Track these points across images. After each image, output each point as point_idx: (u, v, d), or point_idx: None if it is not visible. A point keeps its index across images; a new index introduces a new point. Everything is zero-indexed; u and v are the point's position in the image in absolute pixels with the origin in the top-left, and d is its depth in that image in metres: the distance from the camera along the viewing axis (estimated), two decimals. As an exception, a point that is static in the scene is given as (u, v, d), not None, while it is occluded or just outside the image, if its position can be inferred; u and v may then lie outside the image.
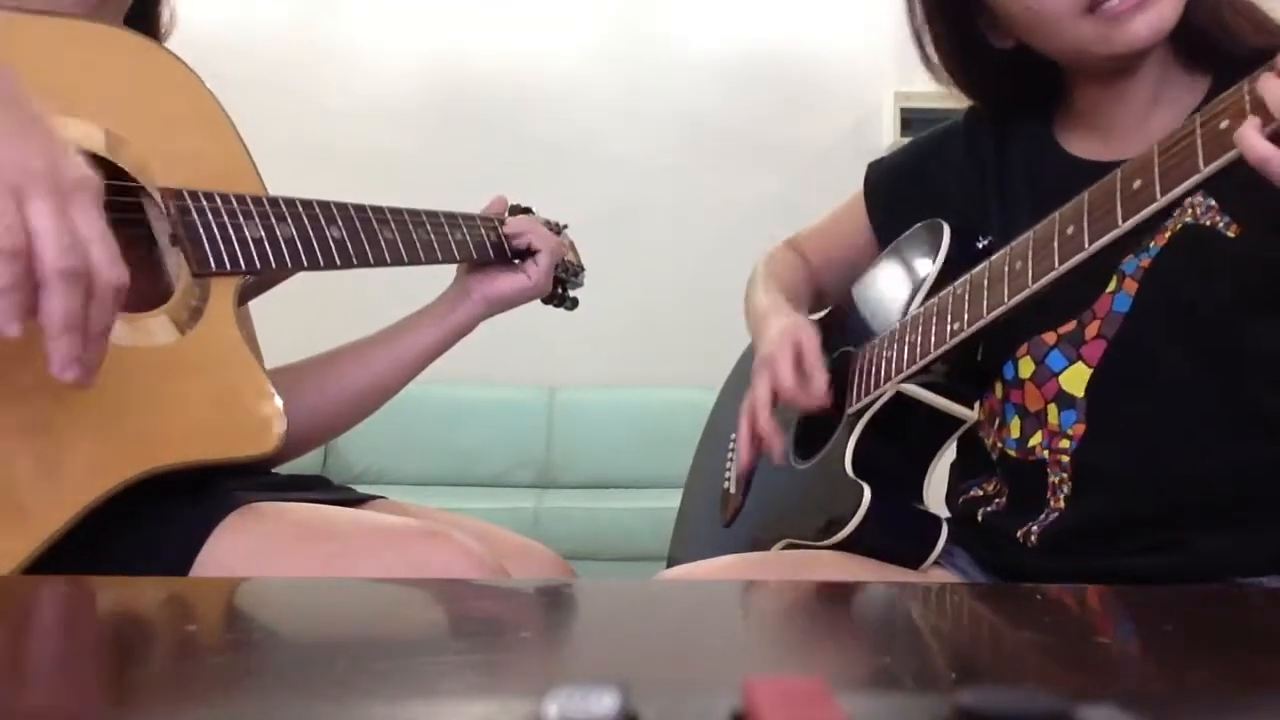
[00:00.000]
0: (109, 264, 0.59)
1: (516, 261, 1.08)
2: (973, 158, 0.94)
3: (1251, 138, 0.60)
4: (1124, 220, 0.68)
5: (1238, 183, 0.64)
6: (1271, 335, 0.78)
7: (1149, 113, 0.83)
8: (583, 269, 1.23)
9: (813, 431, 0.99)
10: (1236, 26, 0.78)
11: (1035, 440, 0.85)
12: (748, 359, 1.28)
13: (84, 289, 0.58)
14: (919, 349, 0.84)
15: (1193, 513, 0.79)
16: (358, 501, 0.96)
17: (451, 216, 1.02)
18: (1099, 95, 0.85)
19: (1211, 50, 0.80)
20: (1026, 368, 0.85)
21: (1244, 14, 0.79)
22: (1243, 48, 0.76)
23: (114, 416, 0.72)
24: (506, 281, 1.06)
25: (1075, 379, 0.82)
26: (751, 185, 3.59)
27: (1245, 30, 0.77)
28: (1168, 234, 0.79)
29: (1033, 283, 0.75)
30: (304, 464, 3.01)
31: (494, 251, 1.05)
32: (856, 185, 1.08)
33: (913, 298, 0.90)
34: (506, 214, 1.10)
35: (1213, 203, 0.77)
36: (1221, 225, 0.77)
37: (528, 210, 1.15)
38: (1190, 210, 0.78)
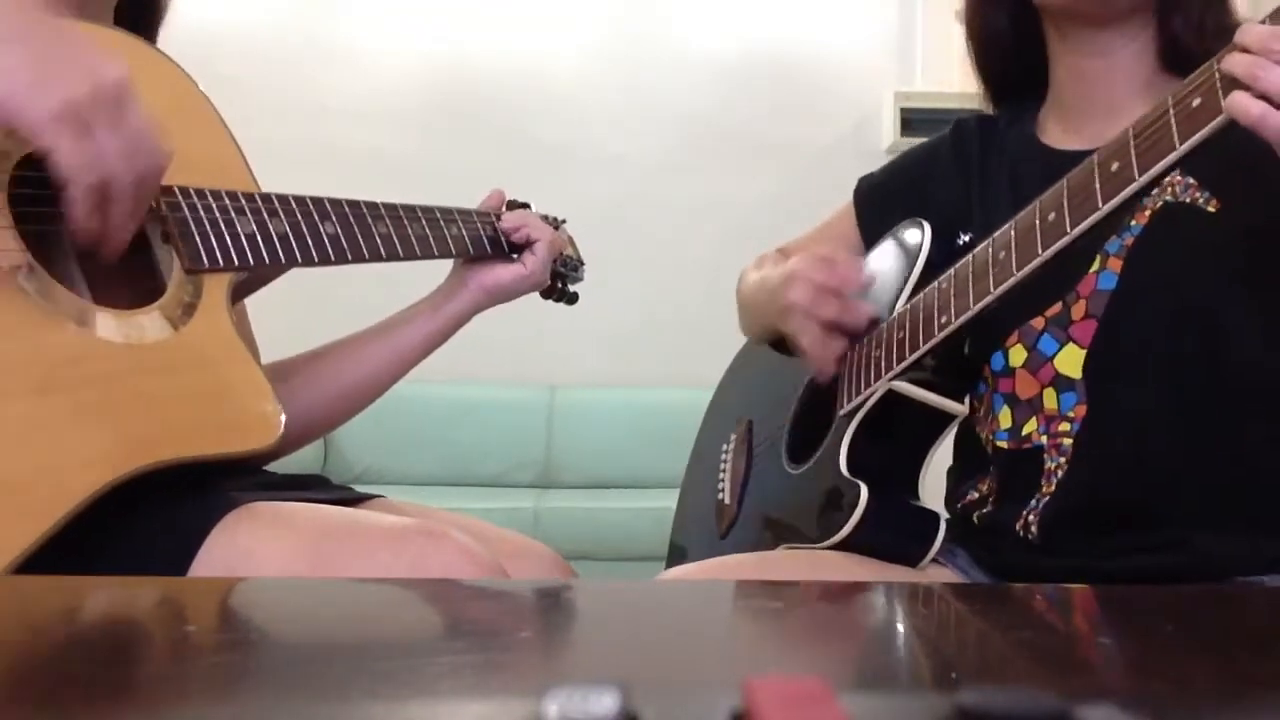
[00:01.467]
0: (158, 151, 0.70)
1: (515, 256, 1.07)
2: (959, 163, 0.96)
3: (1243, 100, 0.61)
4: (1104, 202, 0.69)
5: (1215, 160, 0.66)
6: (1255, 306, 0.79)
7: (1124, 106, 0.84)
8: (582, 263, 1.22)
9: (805, 436, 1.00)
10: (1216, 43, 0.79)
11: (1030, 427, 0.85)
12: (737, 363, 1.28)
13: (142, 181, 0.69)
14: (907, 345, 0.85)
15: (1191, 499, 0.79)
16: (356, 501, 0.96)
17: (447, 211, 1.02)
18: (1076, 87, 0.87)
19: (1190, 61, 0.80)
20: (1018, 356, 0.85)
21: (1226, 29, 0.80)
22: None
23: (109, 413, 0.72)
24: (504, 272, 1.05)
25: (1070, 361, 0.82)
26: (751, 185, 3.59)
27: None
28: (1148, 212, 0.80)
29: (1017, 271, 0.75)
30: (303, 463, 3.01)
31: (490, 246, 1.05)
32: (854, 189, 1.08)
33: (897, 297, 0.91)
34: (504, 209, 1.10)
35: (1191, 180, 0.79)
36: (1201, 201, 0.79)
37: (525, 206, 1.15)
38: (1170, 189, 0.80)
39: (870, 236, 1.03)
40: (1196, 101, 0.64)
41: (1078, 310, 0.82)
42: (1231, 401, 0.79)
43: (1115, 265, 0.81)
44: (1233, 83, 0.62)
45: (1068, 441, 0.82)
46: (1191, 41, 0.80)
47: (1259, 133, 0.61)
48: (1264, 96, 0.60)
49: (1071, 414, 0.82)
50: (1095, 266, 0.81)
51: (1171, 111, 0.66)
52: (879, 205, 1.04)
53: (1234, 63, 0.62)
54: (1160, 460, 0.80)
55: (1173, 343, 0.79)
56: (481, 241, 1.04)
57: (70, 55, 0.65)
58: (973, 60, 0.96)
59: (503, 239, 1.06)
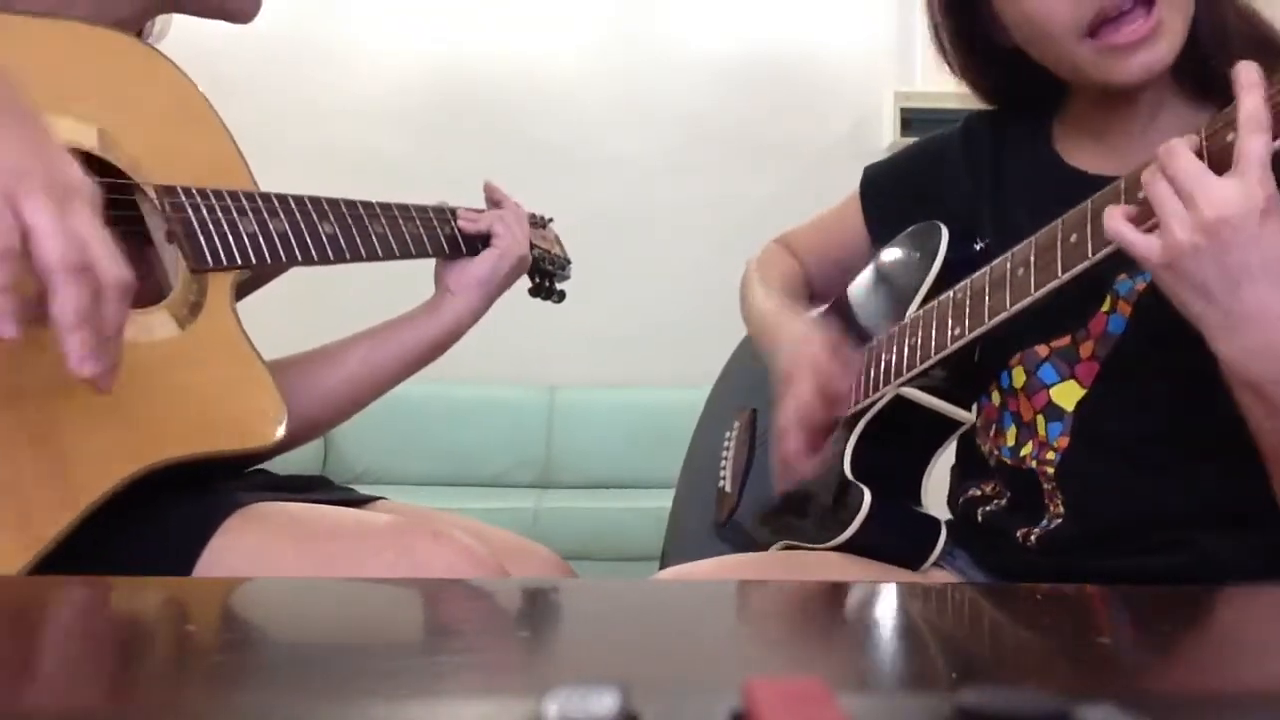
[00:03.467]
0: (111, 262, 0.58)
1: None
2: (970, 161, 0.95)
3: (1115, 215, 0.66)
4: None
5: None
6: None
7: (1148, 128, 0.82)
8: (569, 261, 1.23)
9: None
10: (1241, 56, 0.78)
11: (1026, 450, 0.85)
12: (737, 359, 1.28)
13: (90, 285, 0.57)
14: (919, 353, 0.84)
15: (1185, 522, 0.79)
16: (359, 502, 0.96)
17: (440, 211, 1.02)
18: (1098, 108, 0.85)
19: (1216, 78, 0.79)
20: (1019, 377, 0.85)
21: (1251, 43, 0.78)
22: None
23: (117, 412, 0.72)
24: (480, 264, 1.04)
25: (1067, 395, 0.82)
26: (751, 185, 3.59)
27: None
28: None
29: (1035, 290, 0.74)
30: (303, 463, 3.01)
31: (483, 242, 1.04)
32: (856, 185, 1.08)
33: (910, 301, 0.91)
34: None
35: None
36: None
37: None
38: None
39: (875, 229, 1.02)
40: (1230, 137, 0.63)
41: (1085, 349, 0.81)
42: (1230, 445, 0.74)
43: (1125, 309, 0.79)
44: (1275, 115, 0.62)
45: (1051, 470, 0.83)
46: (1214, 58, 0.77)
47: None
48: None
49: (1055, 444, 0.82)
50: (1106, 307, 0.80)
51: (1204, 143, 0.65)
52: (885, 198, 1.03)
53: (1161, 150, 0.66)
54: (1147, 494, 0.79)
55: (1174, 390, 0.78)
56: (474, 240, 1.04)
57: (38, 141, 0.59)
58: (977, 94, 0.94)
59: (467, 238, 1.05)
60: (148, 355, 0.75)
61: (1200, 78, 0.79)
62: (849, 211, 1.06)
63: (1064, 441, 0.82)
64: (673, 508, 1.28)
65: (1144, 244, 0.65)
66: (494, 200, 1.09)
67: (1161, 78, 0.80)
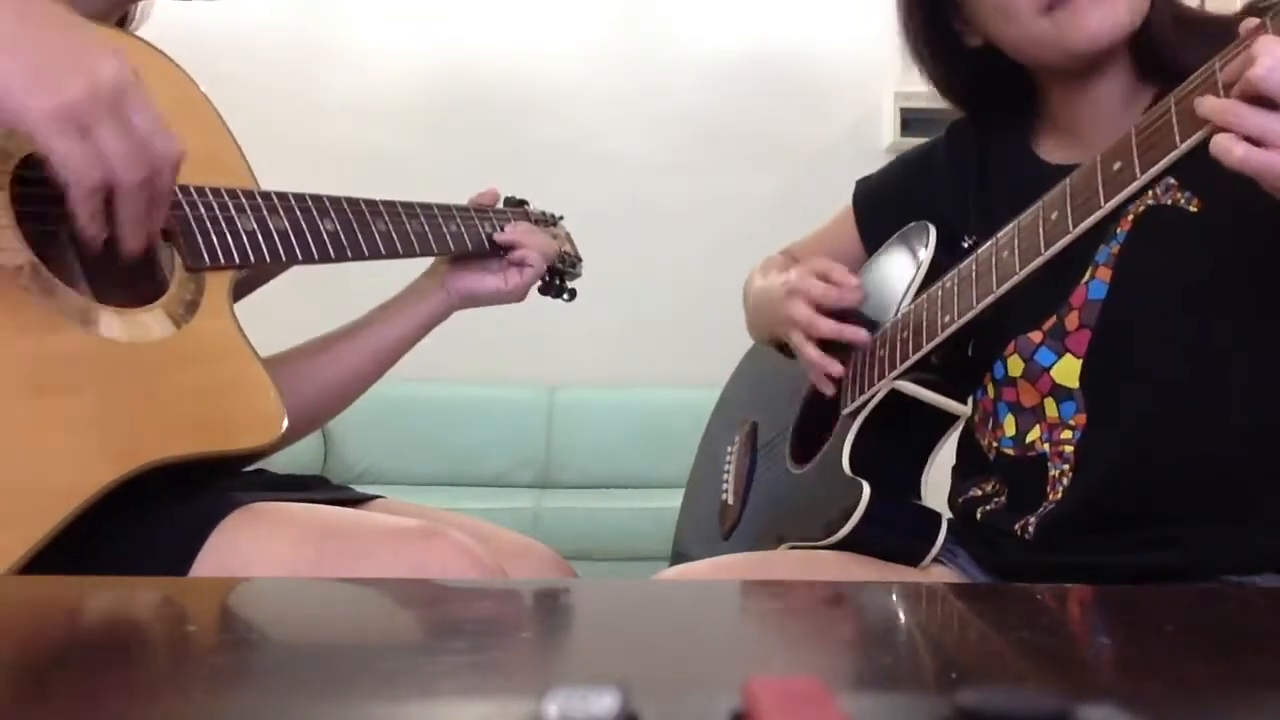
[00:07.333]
0: (168, 148, 0.68)
1: (500, 255, 1.06)
2: (955, 168, 0.97)
3: (1225, 141, 0.62)
4: (1106, 201, 0.70)
5: (1196, 160, 0.66)
6: (1242, 305, 0.79)
7: (1118, 119, 0.84)
8: (580, 260, 1.23)
9: (808, 436, 1.00)
10: (1189, 42, 0.79)
11: (1034, 435, 0.85)
12: (736, 376, 1.29)
13: (151, 181, 0.67)
14: (911, 345, 0.85)
15: (1189, 501, 0.79)
16: (357, 501, 0.96)
17: (445, 209, 1.02)
18: (1069, 101, 0.87)
19: (1179, 71, 0.81)
20: (1016, 366, 0.86)
21: (1196, 29, 0.80)
22: (1196, 60, 0.76)
23: (113, 411, 0.72)
24: (483, 281, 1.05)
25: (1067, 372, 0.83)
26: (752, 185, 3.59)
27: (1196, 45, 0.78)
28: (1131, 218, 0.81)
29: (1020, 269, 0.76)
30: (303, 464, 3.01)
31: (489, 244, 1.04)
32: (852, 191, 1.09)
33: (902, 299, 0.91)
34: (500, 203, 1.10)
35: (1172, 181, 0.79)
36: (1183, 202, 0.79)
37: (523, 203, 1.15)
38: (1151, 193, 0.80)
39: (870, 239, 1.04)
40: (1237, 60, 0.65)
41: (1071, 321, 0.83)
42: (1225, 398, 0.79)
43: (1105, 274, 0.81)
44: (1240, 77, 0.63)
45: (1069, 449, 0.83)
46: (1165, 45, 0.80)
47: (1245, 172, 0.62)
48: (1247, 137, 0.61)
49: (1072, 422, 0.83)
50: (1086, 277, 0.82)
51: (1173, 110, 0.66)
52: (877, 209, 1.05)
53: (1208, 108, 0.63)
54: (1157, 463, 0.80)
55: (1166, 346, 0.80)
56: (481, 241, 1.04)
57: (69, 55, 0.64)
58: (950, 101, 0.98)
59: (496, 246, 1.05)
60: (143, 354, 0.75)
61: (1165, 71, 0.81)
62: (844, 225, 1.08)
63: (1081, 419, 0.82)
64: (680, 513, 1.28)
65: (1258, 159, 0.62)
66: (525, 245, 1.07)
67: (1126, 69, 0.82)
